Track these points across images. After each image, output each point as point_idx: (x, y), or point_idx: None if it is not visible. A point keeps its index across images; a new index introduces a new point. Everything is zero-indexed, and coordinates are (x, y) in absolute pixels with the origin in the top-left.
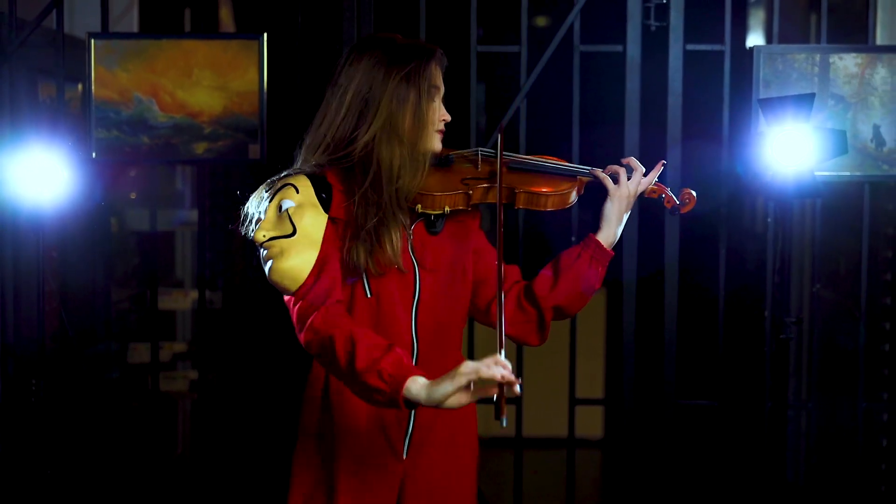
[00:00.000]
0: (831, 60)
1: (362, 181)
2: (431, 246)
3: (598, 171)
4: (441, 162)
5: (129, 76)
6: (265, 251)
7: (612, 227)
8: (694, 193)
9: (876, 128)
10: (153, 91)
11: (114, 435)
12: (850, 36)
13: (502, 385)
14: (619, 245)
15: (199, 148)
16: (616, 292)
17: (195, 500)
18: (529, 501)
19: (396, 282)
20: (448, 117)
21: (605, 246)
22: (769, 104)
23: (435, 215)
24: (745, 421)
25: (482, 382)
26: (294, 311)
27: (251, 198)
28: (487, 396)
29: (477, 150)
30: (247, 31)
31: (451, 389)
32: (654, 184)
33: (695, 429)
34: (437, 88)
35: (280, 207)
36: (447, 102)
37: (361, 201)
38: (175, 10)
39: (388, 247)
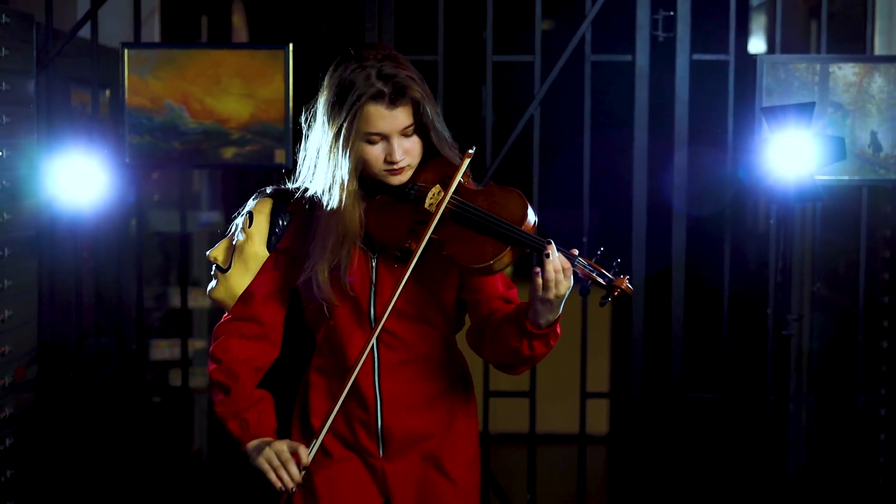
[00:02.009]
0: (831, 70)
1: (303, 219)
2: (395, 274)
3: (535, 277)
4: (406, 194)
5: (160, 84)
6: (212, 270)
7: (540, 317)
8: (629, 286)
9: (873, 134)
10: (184, 98)
11: (137, 429)
12: (850, 43)
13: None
14: (627, 245)
15: (228, 153)
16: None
17: (211, 496)
18: (539, 496)
19: (353, 313)
20: (395, 157)
21: (536, 331)
22: (772, 112)
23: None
24: (748, 414)
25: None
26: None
27: None
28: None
29: (438, 186)
30: (265, 38)
31: (261, 466)
32: (586, 267)
33: (700, 421)
34: (377, 135)
35: (234, 233)
36: (458, 106)
37: (305, 240)
38: (193, 18)
39: (323, 288)
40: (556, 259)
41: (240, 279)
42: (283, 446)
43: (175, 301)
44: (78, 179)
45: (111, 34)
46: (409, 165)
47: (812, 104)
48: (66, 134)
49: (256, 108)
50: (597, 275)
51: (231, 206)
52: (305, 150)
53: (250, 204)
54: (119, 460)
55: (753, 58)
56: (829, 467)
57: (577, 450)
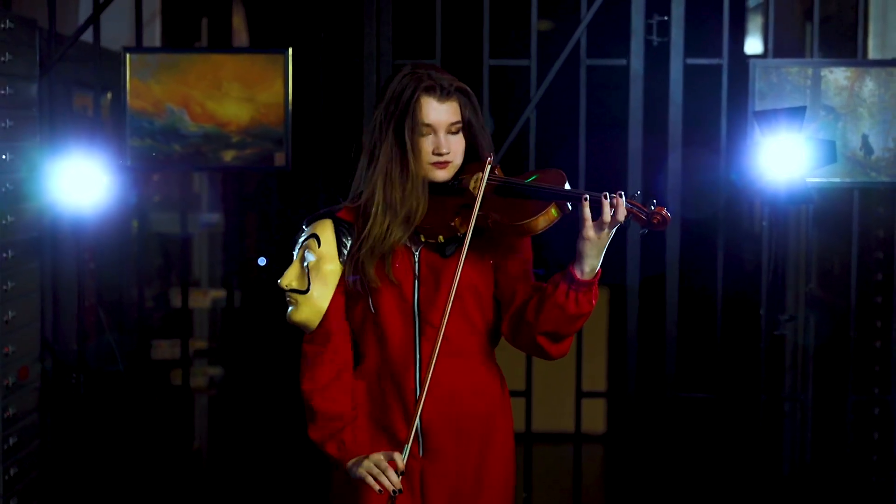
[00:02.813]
0: (823, 74)
1: (362, 215)
2: (437, 268)
3: (584, 206)
4: (448, 189)
5: (161, 88)
6: (287, 297)
7: (586, 262)
8: (667, 214)
9: (864, 137)
10: (184, 102)
11: (138, 428)
12: (844, 46)
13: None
14: (622, 248)
15: (228, 156)
16: (618, 292)
17: (211, 494)
18: (537, 494)
19: (397, 302)
20: (442, 150)
21: (581, 278)
22: (764, 116)
23: (436, 244)
24: (742, 413)
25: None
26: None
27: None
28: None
29: (479, 173)
30: (265, 42)
31: (355, 475)
32: (631, 206)
33: (694, 420)
34: (427, 125)
35: (303, 260)
36: None
37: (359, 237)
38: (194, 20)
39: (370, 279)
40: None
41: (322, 296)
42: (379, 456)
43: (176, 301)
44: (80, 182)
45: (113, 38)
46: (452, 163)
47: (803, 108)
48: (69, 137)
49: (256, 112)
50: (636, 208)
51: (231, 209)
52: (363, 161)
53: (308, 230)
54: (121, 459)
55: (746, 63)
56: (824, 466)
57: (573, 448)
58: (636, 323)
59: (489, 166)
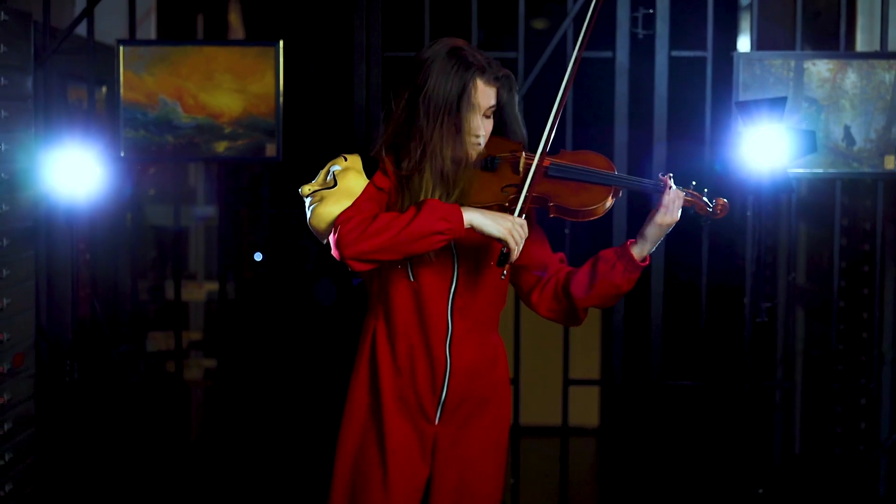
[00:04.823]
0: (805, 66)
1: (407, 184)
2: (474, 242)
3: (665, 196)
4: (486, 165)
5: (155, 80)
6: (309, 201)
7: (649, 246)
8: (728, 205)
9: (846, 128)
10: (177, 94)
11: (133, 420)
12: (833, 40)
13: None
14: (609, 237)
15: (220, 147)
16: None
17: (207, 486)
18: (525, 485)
19: (437, 271)
20: (481, 132)
21: (638, 260)
22: (745, 106)
23: None
24: (728, 400)
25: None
26: (334, 237)
27: None
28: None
29: (521, 148)
30: (256, 35)
31: (499, 232)
32: (689, 195)
33: (682, 407)
34: (479, 105)
35: (329, 171)
36: None
37: (402, 199)
38: (189, 16)
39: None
40: (672, 188)
41: (353, 187)
42: (517, 225)
43: (171, 293)
44: (74, 172)
45: (106, 32)
46: (482, 144)
47: (784, 99)
48: (63, 128)
49: (248, 103)
50: (701, 202)
51: (226, 200)
52: (415, 103)
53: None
54: (117, 448)
55: (731, 54)
56: (813, 454)
57: (561, 437)
58: (622, 313)
59: (541, 149)
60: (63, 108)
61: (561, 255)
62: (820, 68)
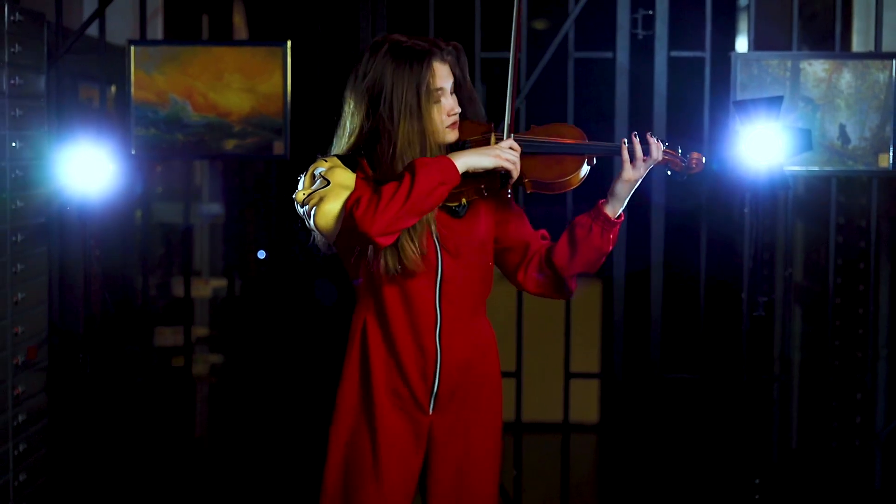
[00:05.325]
0: (802, 66)
1: (383, 173)
2: (455, 230)
3: (624, 150)
4: (459, 148)
5: (165, 79)
6: (307, 206)
7: (621, 202)
8: (703, 158)
9: (842, 127)
10: (187, 93)
11: (141, 413)
12: (829, 41)
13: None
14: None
15: (229, 145)
16: (610, 283)
17: (212, 480)
18: (530, 481)
19: (423, 263)
20: (457, 109)
21: (612, 217)
22: (742, 105)
23: (455, 206)
24: (727, 393)
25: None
26: (353, 222)
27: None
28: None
29: (491, 130)
30: (264, 35)
31: (489, 164)
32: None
33: (680, 400)
34: (441, 89)
35: (314, 175)
36: None
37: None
38: (195, 17)
39: (409, 248)
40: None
41: (347, 177)
42: (506, 150)
43: (177, 290)
44: (86, 169)
45: (116, 32)
46: (457, 121)
47: (781, 98)
48: (75, 127)
49: (256, 102)
50: (677, 158)
51: (231, 198)
52: (361, 110)
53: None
54: (126, 441)
55: (729, 54)
56: (810, 449)
57: (562, 429)
58: (622, 308)
59: (507, 122)
60: (75, 107)
61: (543, 231)
62: (816, 68)
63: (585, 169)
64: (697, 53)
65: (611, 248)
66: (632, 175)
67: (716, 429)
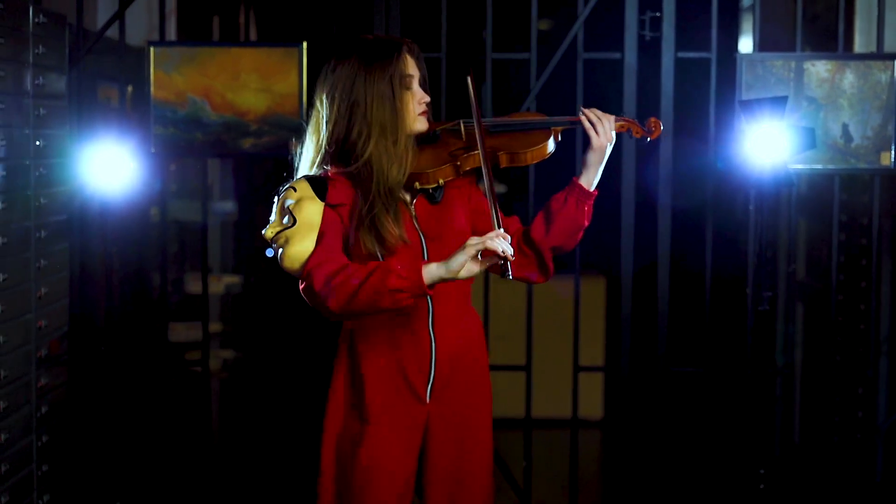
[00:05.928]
0: (805, 67)
1: (359, 178)
2: (434, 215)
3: (583, 119)
4: (429, 139)
5: (184, 79)
6: (275, 244)
7: (594, 171)
8: (660, 122)
9: (844, 126)
10: (205, 92)
11: (157, 407)
12: (832, 42)
13: (504, 257)
14: (616, 240)
15: (246, 143)
16: (614, 280)
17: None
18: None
19: (406, 252)
20: (427, 98)
21: (587, 188)
22: (748, 105)
23: (432, 188)
24: (732, 387)
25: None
26: (304, 287)
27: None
28: (492, 264)
29: (459, 122)
30: (280, 37)
31: (463, 259)
32: (622, 120)
33: (686, 393)
34: (411, 77)
35: (283, 207)
36: (460, 100)
37: (360, 195)
38: (206, 20)
39: (390, 230)
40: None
41: (311, 223)
42: (471, 239)
43: (191, 286)
44: (107, 167)
45: (133, 34)
46: (427, 111)
47: (785, 98)
48: (96, 126)
49: (273, 102)
50: (636, 125)
51: (243, 197)
52: (332, 110)
53: (284, 189)
54: (141, 435)
55: (734, 55)
56: (812, 443)
57: (571, 422)
58: (630, 304)
59: (475, 107)
60: (95, 107)
61: (515, 217)
62: (819, 69)
63: (552, 143)
64: (704, 54)
65: (587, 222)
66: (599, 142)
67: (719, 423)
